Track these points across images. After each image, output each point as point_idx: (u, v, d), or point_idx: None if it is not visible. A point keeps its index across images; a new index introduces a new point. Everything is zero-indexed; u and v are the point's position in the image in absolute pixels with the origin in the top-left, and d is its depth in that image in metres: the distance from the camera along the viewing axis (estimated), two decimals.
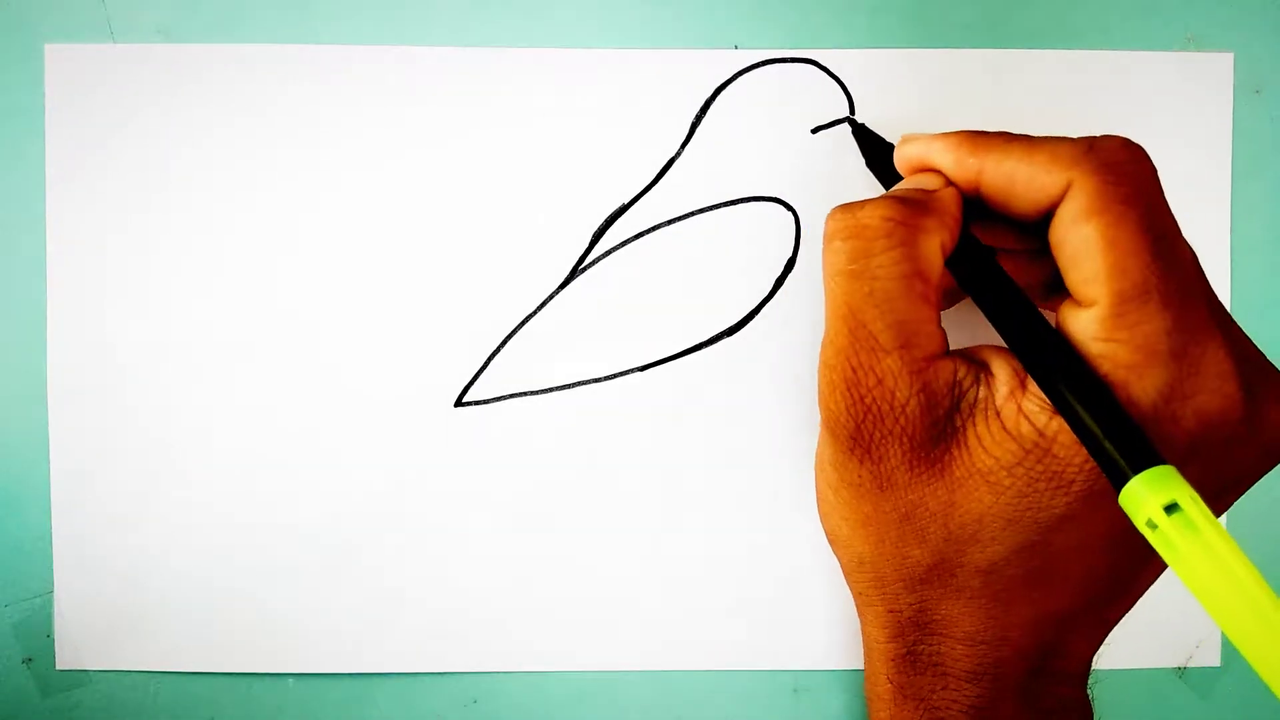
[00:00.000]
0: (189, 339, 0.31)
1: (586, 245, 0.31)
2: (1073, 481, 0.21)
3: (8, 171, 0.30)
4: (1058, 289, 0.24)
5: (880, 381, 0.22)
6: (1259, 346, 0.23)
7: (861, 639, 0.26)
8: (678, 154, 0.30)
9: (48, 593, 0.31)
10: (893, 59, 0.30)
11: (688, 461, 0.31)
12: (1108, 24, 0.31)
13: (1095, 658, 0.25)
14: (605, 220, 0.31)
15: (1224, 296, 0.31)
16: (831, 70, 0.30)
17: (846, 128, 0.30)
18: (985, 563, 0.22)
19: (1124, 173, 0.21)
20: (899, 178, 0.25)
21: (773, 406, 0.31)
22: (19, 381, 0.31)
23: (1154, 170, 0.21)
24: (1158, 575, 0.24)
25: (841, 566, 0.26)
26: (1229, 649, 0.31)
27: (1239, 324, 0.23)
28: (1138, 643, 0.31)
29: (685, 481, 0.31)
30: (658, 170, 0.30)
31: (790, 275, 0.30)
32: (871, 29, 0.30)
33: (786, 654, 0.31)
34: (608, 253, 0.31)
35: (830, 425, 0.23)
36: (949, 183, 0.23)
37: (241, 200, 0.30)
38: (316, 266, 0.31)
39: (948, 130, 0.24)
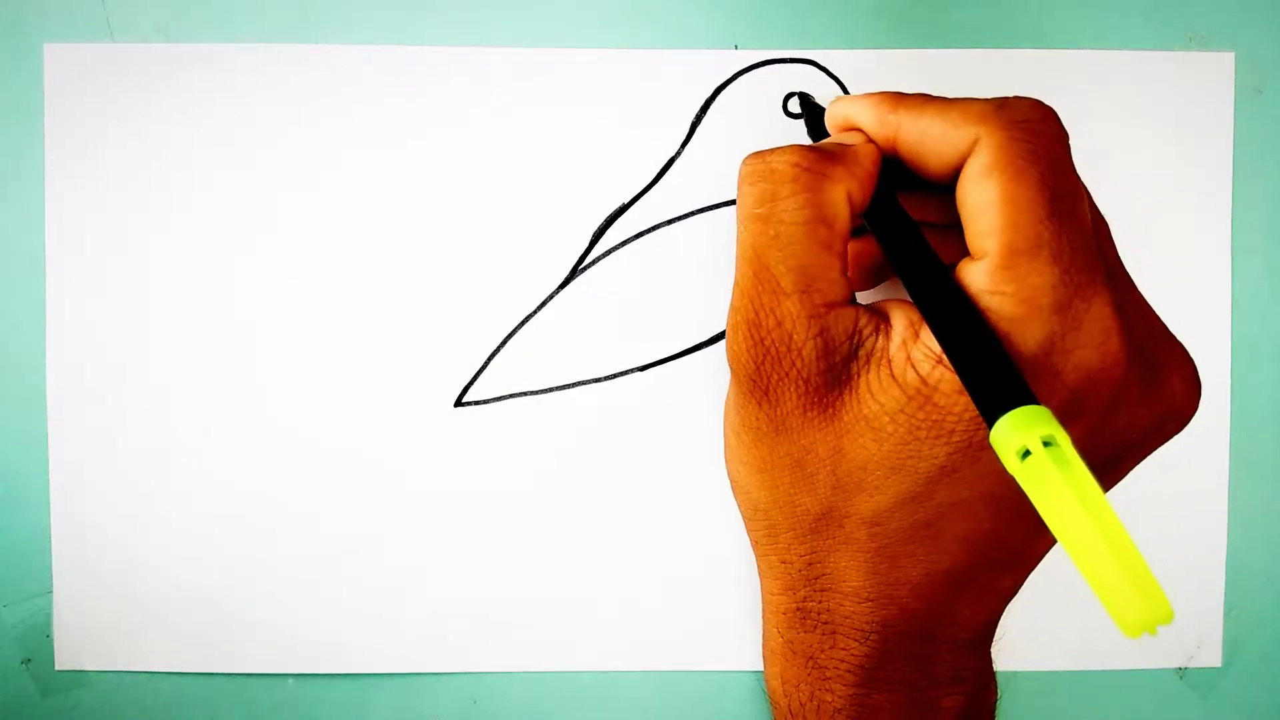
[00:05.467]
0: (188, 339, 0.31)
1: (586, 245, 0.31)
2: (953, 431, 0.21)
3: (8, 171, 0.30)
4: None
5: (780, 324, 0.22)
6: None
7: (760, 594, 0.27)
8: (678, 154, 0.30)
9: (47, 593, 0.31)
10: (893, 59, 0.30)
11: (688, 461, 0.31)
12: (1108, 24, 0.31)
13: (999, 632, 0.25)
14: (605, 220, 0.31)
15: (1224, 296, 0.31)
16: (831, 70, 0.30)
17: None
18: (870, 513, 0.22)
19: (1030, 130, 0.21)
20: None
21: None
22: (19, 381, 0.31)
23: (1062, 131, 0.22)
24: (1050, 547, 0.24)
25: (741, 513, 0.26)
26: (1230, 649, 0.31)
27: (1162, 309, 0.23)
28: (1138, 643, 0.31)
29: (685, 481, 0.31)
30: (658, 170, 0.30)
31: None
32: (871, 29, 0.30)
33: None
34: (608, 253, 0.31)
35: (733, 366, 0.24)
36: (870, 141, 0.24)
37: (241, 200, 0.30)
38: (316, 266, 0.31)
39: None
